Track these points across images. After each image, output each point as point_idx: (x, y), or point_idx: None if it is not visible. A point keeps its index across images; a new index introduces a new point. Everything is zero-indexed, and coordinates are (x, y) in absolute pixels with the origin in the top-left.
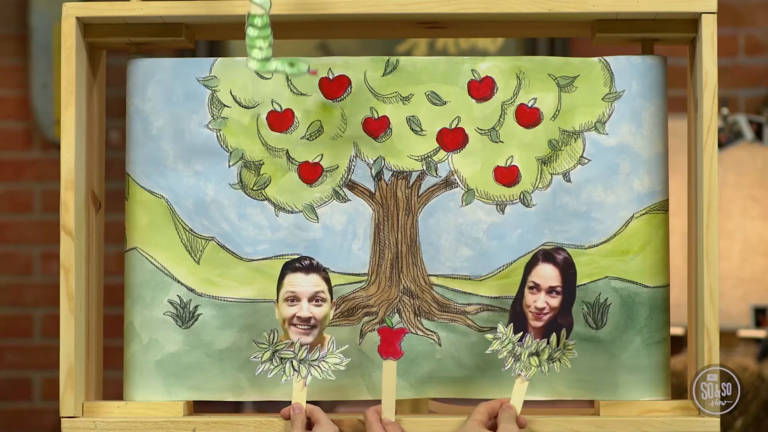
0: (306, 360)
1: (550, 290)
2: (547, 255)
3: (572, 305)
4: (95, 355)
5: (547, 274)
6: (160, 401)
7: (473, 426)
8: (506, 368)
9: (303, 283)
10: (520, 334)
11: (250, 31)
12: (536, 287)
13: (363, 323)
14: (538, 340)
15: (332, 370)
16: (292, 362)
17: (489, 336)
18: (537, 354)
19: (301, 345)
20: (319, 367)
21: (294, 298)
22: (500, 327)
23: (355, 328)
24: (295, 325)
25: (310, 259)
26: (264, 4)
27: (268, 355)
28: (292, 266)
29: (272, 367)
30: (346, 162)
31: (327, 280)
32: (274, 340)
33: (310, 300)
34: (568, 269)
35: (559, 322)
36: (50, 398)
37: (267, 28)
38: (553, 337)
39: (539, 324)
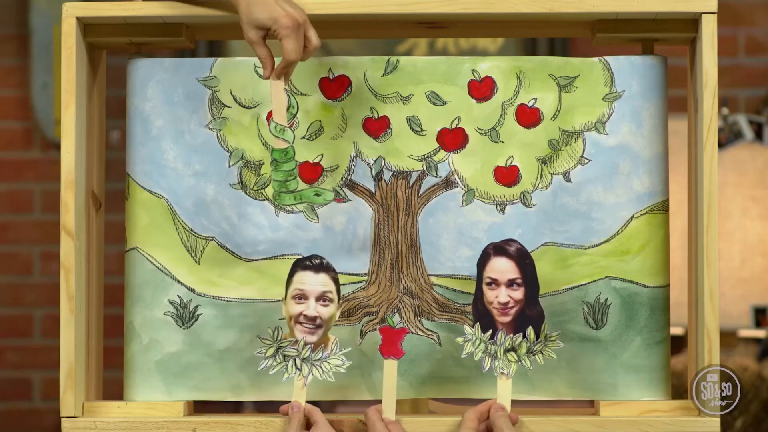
0: (309, 359)
1: (510, 283)
2: (498, 248)
3: (538, 295)
4: (95, 355)
5: (502, 267)
6: (160, 401)
7: None
8: (486, 369)
9: (312, 281)
10: (490, 332)
11: (278, 166)
12: (494, 282)
13: (363, 323)
14: (511, 335)
15: (333, 371)
16: (295, 360)
17: (459, 339)
18: (514, 349)
19: (306, 344)
20: (321, 367)
21: (302, 296)
22: (467, 328)
23: (355, 328)
24: (301, 323)
25: (321, 258)
26: (289, 138)
27: (272, 351)
28: (302, 264)
29: (275, 363)
30: (347, 162)
31: (336, 281)
32: (278, 337)
33: (317, 299)
34: (523, 259)
35: (527, 314)
36: (50, 398)
37: (292, 161)
38: (530, 330)
39: (507, 319)
